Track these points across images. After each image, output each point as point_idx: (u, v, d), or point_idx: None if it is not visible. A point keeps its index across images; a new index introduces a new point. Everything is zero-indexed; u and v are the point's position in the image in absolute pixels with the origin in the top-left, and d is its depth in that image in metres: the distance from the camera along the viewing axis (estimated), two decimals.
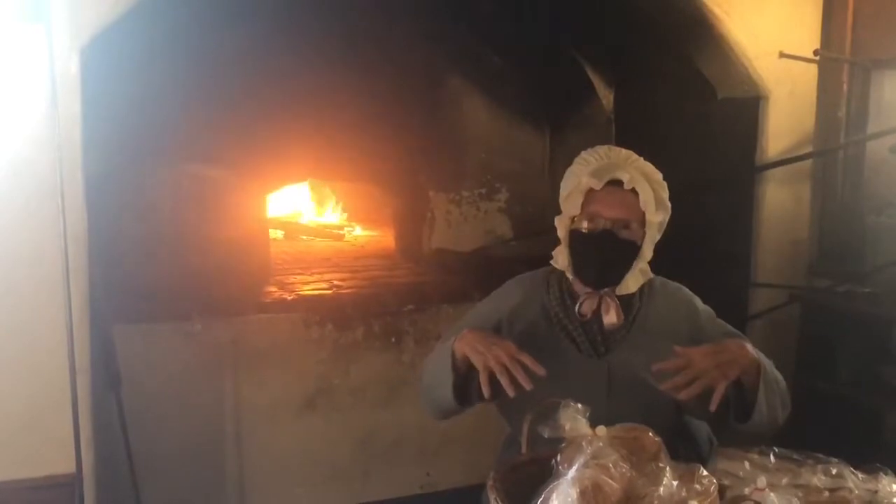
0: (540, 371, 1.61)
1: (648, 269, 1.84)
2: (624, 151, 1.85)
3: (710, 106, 3.32)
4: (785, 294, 3.17)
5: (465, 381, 1.75)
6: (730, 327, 1.92)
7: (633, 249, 1.80)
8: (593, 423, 1.39)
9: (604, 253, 1.78)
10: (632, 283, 1.82)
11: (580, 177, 1.80)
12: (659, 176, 1.83)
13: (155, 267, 3.19)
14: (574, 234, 1.82)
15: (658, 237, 1.83)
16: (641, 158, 1.85)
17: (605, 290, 1.82)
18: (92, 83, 2.36)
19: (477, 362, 1.66)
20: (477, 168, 4.14)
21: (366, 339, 3.27)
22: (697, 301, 1.94)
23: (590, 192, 1.79)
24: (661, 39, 3.36)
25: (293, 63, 3.56)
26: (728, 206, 3.28)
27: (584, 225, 1.79)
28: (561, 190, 1.86)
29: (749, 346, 1.69)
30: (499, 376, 1.61)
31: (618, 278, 1.82)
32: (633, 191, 1.78)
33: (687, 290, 1.95)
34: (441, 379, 1.77)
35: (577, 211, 1.80)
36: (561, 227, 1.85)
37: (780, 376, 1.78)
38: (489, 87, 4.10)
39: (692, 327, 1.87)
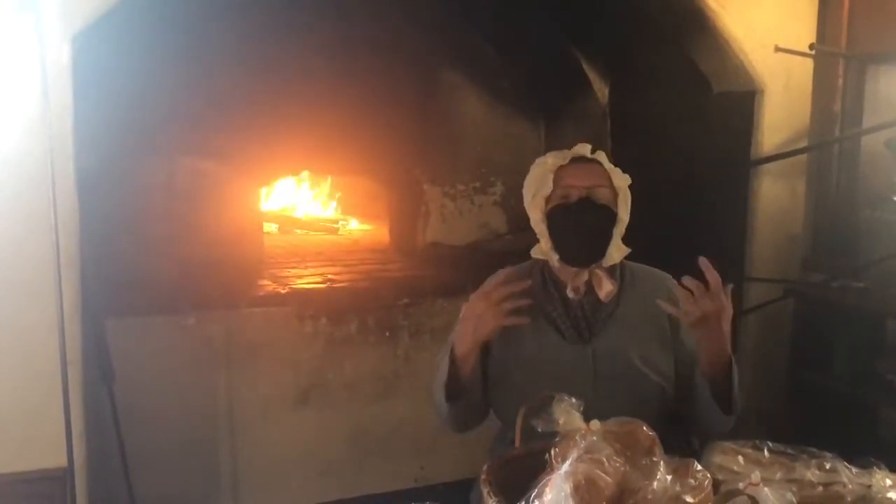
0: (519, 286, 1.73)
1: (623, 244, 1.87)
2: (577, 146, 1.90)
3: (706, 100, 3.31)
4: (779, 288, 3.17)
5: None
6: None
7: (611, 215, 1.83)
8: (582, 411, 1.39)
9: (585, 221, 1.81)
10: (615, 252, 1.84)
11: (545, 162, 1.86)
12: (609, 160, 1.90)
13: (148, 260, 3.17)
14: (552, 213, 1.84)
15: (628, 204, 1.86)
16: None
17: (592, 265, 1.84)
18: (83, 73, 2.34)
19: (466, 325, 1.76)
20: (472, 161, 4.13)
21: (360, 332, 3.26)
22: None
23: (558, 172, 1.84)
24: (656, 33, 3.35)
25: (288, 55, 3.55)
26: (723, 200, 3.28)
27: (560, 200, 1.83)
28: (525, 193, 1.89)
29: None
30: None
31: (601, 251, 1.83)
32: (596, 162, 1.86)
33: (673, 280, 1.94)
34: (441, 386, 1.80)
35: (549, 190, 1.83)
36: (536, 212, 1.86)
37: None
38: (484, 80, 4.08)
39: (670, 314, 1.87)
